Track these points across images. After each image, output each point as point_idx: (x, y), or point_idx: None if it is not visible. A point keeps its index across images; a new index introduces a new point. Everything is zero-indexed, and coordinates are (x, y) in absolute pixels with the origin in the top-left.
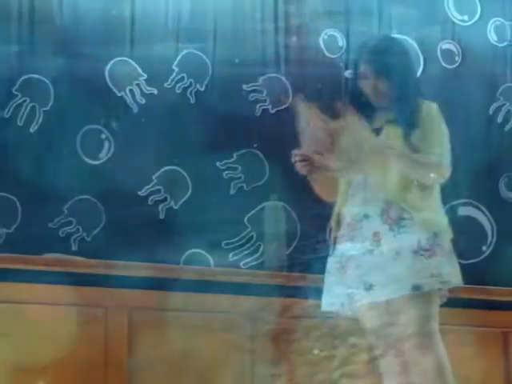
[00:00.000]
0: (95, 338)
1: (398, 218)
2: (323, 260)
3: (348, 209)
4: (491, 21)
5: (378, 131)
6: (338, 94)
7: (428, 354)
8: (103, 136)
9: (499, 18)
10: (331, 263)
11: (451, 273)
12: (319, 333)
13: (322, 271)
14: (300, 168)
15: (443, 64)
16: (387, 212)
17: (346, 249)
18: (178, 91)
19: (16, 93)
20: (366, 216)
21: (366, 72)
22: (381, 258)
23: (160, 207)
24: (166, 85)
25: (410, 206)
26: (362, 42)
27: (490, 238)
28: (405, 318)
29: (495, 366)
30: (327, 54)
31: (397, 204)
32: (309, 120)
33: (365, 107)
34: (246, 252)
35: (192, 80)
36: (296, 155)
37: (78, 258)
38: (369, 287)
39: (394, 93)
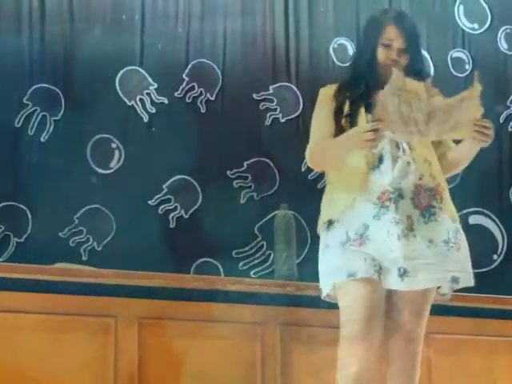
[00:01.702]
0: (106, 347)
1: (428, 205)
2: None
3: (380, 181)
4: (501, 29)
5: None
6: None
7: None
8: (113, 145)
9: (509, 26)
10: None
11: (471, 271)
12: (329, 340)
13: None
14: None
15: (453, 72)
16: (418, 196)
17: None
18: (188, 100)
19: (27, 102)
20: (401, 196)
21: (394, 36)
22: (415, 245)
23: (170, 216)
24: (176, 94)
25: (442, 193)
26: (384, 9)
27: (500, 247)
28: (426, 311)
29: (507, 375)
30: (337, 63)
31: (430, 189)
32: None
33: (366, 95)
34: (257, 261)
35: (202, 89)
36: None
37: (89, 268)
38: (403, 273)
39: (409, 70)
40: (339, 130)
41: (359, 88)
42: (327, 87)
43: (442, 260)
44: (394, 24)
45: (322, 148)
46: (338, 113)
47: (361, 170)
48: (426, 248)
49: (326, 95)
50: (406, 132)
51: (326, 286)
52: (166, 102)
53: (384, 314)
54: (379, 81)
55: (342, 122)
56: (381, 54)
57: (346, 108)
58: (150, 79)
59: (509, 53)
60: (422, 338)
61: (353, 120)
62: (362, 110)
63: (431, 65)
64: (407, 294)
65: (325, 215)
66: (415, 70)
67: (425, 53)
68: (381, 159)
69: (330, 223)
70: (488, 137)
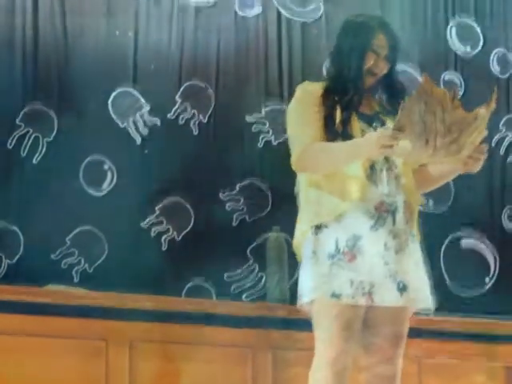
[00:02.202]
0: (97, 370)
1: (411, 223)
2: None
3: (376, 191)
4: (494, 51)
5: (371, 120)
6: None
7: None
8: (106, 167)
9: (502, 49)
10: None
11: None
12: None
13: None
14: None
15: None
16: (406, 213)
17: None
18: (181, 122)
19: (19, 123)
20: (397, 209)
21: (384, 43)
22: (409, 262)
23: (162, 239)
24: (169, 116)
25: (415, 211)
26: (370, 15)
27: (492, 270)
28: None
29: None
30: None
31: (412, 206)
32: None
33: (355, 102)
34: (249, 284)
35: (195, 111)
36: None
37: (80, 290)
38: (403, 288)
39: (386, 80)
40: (332, 137)
41: (347, 93)
42: (306, 85)
43: (425, 282)
44: (383, 32)
45: (323, 150)
46: (328, 118)
47: (359, 177)
48: (414, 266)
49: (309, 94)
50: (422, 147)
51: (306, 295)
52: (159, 123)
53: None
54: (362, 88)
55: (337, 128)
56: (370, 60)
57: (338, 114)
58: (142, 100)
59: (501, 76)
60: (401, 360)
61: (345, 128)
62: (355, 118)
63: None
64: (387, 314)
65: (312, 219)
66: (390, 82)
67: (417, 75)
68: (372, 169)
69: (318, 228)
70: (479, 165)
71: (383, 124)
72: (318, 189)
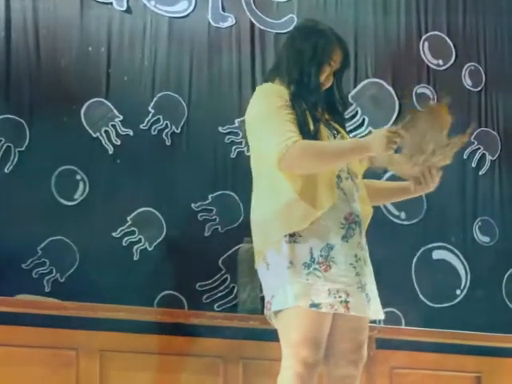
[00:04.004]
0: (67, 380)
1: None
2: None
3: (345, 200)
4: (466, 65)
5: (329, 127)
6: None
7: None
8: (78, 177)
9: (474, 63)
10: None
11: None
12: None
13: None
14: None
15: (418, 108)
16: (363, 225)
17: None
18: (153, 133)
19: None
20: (361, 221)
21: (337, 58)
22: (368, 272)
23: (134, 249)
24: (141, 126)
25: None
26: (328, 26)
27: (463, 282)
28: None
29: None
30: None
31: (366, 217)
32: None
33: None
34: (220, 294)
35: (168, 122)
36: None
37: (51, 300)
38: (368, 300)
39: (327, 93)
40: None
41: (312, 99)
42: (270, 86)
43: (377, 293)
44: (339, 47)
45: (316, 148)
46: (302, 122)
47: (331, 185)
48: (371, 278)
49: (277, 96)
50: (406, 158)
51: (279, 304)
52: (132, 134)
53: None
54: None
55: (311, 132)
56: (324, 72)
57: (310, 121)
58: (115, 111)
59: (473, 89)
60: (361, 367)
61: (317, 133)
62: (323, 128)
63: (396, 100)
64: (351, 322)
65: (285, 226)
66: (332, 95)
67: (390, 88)
68: (339, 177)
69: (292, 236)
70: (429, 188)
71: (338, 132)
72: (292, 193)
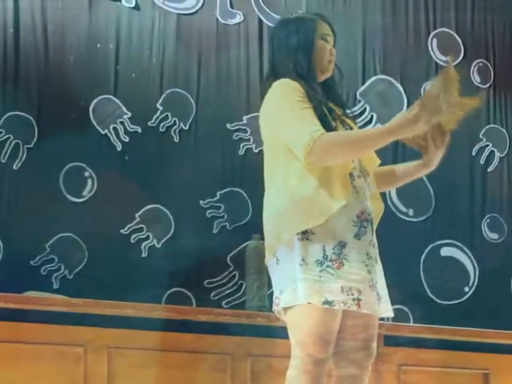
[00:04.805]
0: (75, 376)
1: None
2: None
3: (358, 198)
4: (474, 62)
5: (330, 112)
6: None
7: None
8: (86, 174)
9: (482, 60)
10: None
11: None
12: None
13: None
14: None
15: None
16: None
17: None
18: (162, 130)
19: (0, 130)
20: (372, 219)
21: (328, 31)
22: (379, 271)
23: (142, 245)
24: (149, 123)
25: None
26: (315, 14)
27: (472, 279)
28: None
29: None
30: None
31: (377, 215)
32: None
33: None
34: (228, 291)
35: (176, 119)
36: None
37: (59, 297)
38: (379, 298)
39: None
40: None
41: (318, 91)
42: (287, 81)
43: (387, 292)
44: (323, 20)
45: (350, 138)
46: (321, 115)
47: (346, 182)
48: (381, 277)
49: (295, 88)
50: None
51: (289, 300)
52: (140, 131)
53: None
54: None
55: (331, 123)
56: (323, 49)
57: (327, 112)
58: (123, 108)
59: (481, 86)
60: (370, 367)
61: (337, 124)
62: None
63: (404, 96)
64: (361, 320)
65: (300, 223)
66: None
67: (398, 85)
68: (351, 175)
69: (305, 234)
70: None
71: (351, 128)
72: (304, 188)
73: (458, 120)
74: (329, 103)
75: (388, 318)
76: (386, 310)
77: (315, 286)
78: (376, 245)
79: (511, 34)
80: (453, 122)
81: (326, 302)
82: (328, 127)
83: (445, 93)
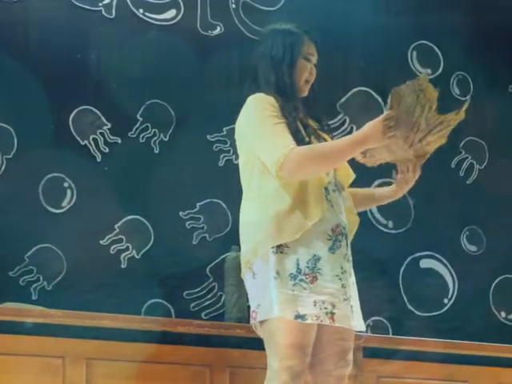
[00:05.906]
0: None
1: None
2: None
3: (333, 212)
4: (454, 74)
5: (306, 127)
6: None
7: None
8: (66, 184)
9: (462, 72)
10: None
11: None
12: None
13: None
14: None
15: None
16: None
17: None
18: (142, 141)
19: None
20: (346, 233)
21: (313, 51)
22: (352, 284)
23: (122, 256)
24: (129, 134)
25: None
26: (302, 30)
27: (451, 291)
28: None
29: None
30: None
31: (352, 229)
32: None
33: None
34: (208, 302)
35: (156, 130)
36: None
37: (37, 308)
38: (352, 311)
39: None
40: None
41: (295, 103)
42: (261, 95)
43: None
44: (309, 38)
45: (314, 151)
46: (294, 131)
47: (321, 197)
48: (354, 291)
49: (269, 103)
50: (403, 139)
51: (264, 314)
52: (120, 141)
53: None
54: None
55: (304, 138)
56: (303, 68)
57: (301, 128)
58: (103, 119)
59: (461, 98)
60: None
61: (310, 139)
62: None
63: (384, 108)
64: (336, 333)
65: (275, 238)
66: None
67: (378, 97)
68: (326, 189)
69: (279, 247)
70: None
71: (320, 137)
72: (279, 203)
73: (446, 135)
74: (308, 118)
75: (367, 329)
76: (359, 324)
77: (288, 299)
78: (350, 258)
79: (491, 46)
80: (442, 138)
81: (299, 316)
82: (301, 142)
83: (422, 110)
